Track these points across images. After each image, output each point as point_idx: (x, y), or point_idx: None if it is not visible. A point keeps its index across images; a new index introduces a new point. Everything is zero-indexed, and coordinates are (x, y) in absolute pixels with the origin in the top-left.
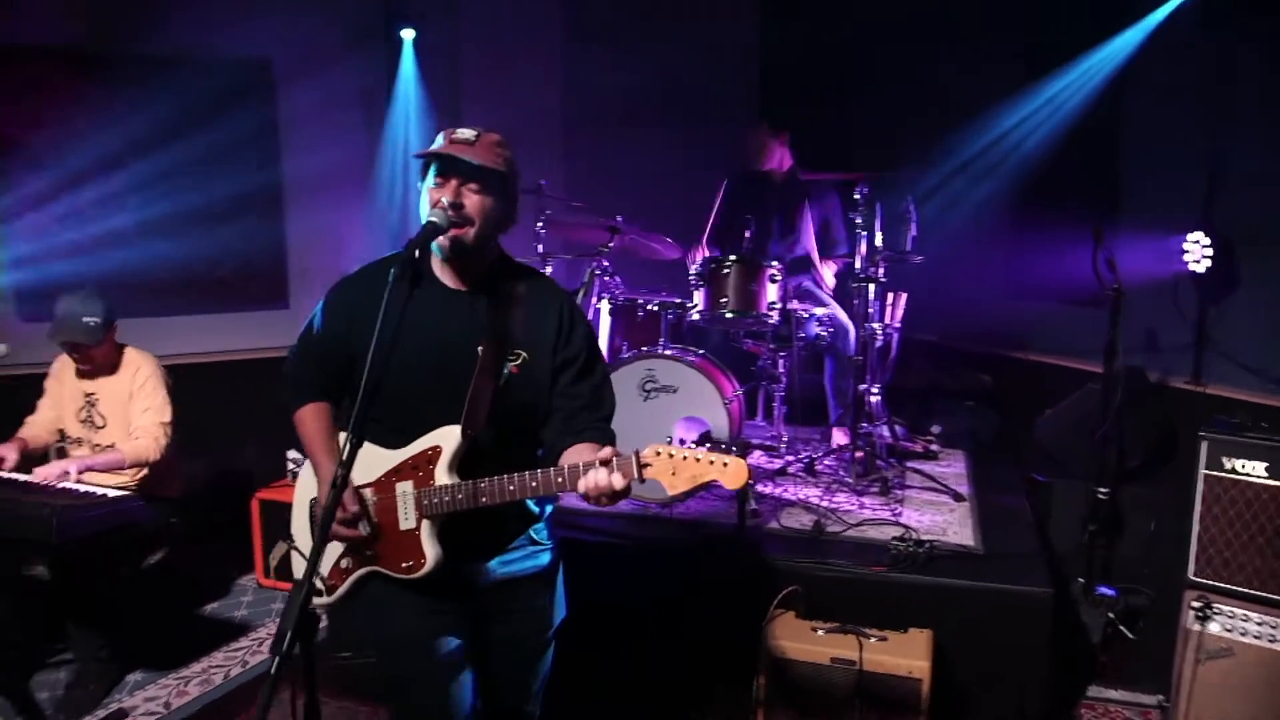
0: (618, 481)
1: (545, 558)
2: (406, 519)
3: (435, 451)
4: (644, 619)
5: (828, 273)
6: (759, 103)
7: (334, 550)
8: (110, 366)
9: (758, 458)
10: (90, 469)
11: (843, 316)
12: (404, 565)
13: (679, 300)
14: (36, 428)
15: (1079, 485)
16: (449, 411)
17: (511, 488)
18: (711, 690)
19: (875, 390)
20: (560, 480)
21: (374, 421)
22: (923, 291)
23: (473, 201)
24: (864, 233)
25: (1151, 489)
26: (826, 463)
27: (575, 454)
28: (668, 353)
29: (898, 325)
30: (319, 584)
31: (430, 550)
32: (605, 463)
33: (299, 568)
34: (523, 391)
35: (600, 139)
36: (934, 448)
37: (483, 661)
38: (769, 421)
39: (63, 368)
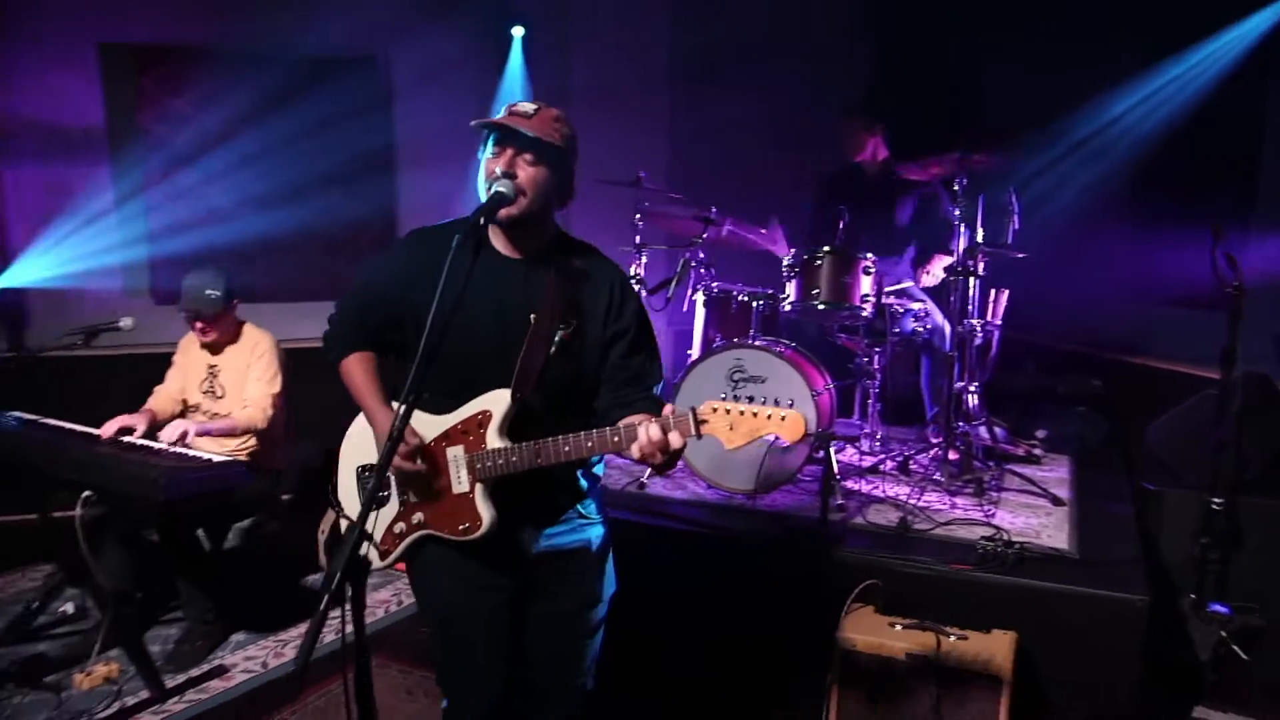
0: (675, 439)
1: (593, 532)
2: (460, 483)
3: (485, 416)
4: (723, 607)
5: (937, 268)
6: (863, 95)
7: (387, 515)
8: (230, 340)
9: (850, 455)
10: (206, 433)
11: (939, 313)
12: (460, 528)
13: (770, 291)
14: (164, 398)
15: (1193, 496)
16: (498, 378)
17: (566, 448)
18: (786, 682)
19: (973, 389)
20: (616, 439)
21: (434, 388)
22: (1032, 291)
23: (526, 173)
24: (962, 226)
25: (1274, 502)
26: (920, 462)
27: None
28: (757, 343)
29: (998, 323)
30: (374, 550)
31: (485, 512)
32: (662, 422)
33: (369, 551)
34: (573, 360)
35: (705, 133)
36: (1037, 452)
37: (531, 634)
38: (864, 419)
39: (189, 342)
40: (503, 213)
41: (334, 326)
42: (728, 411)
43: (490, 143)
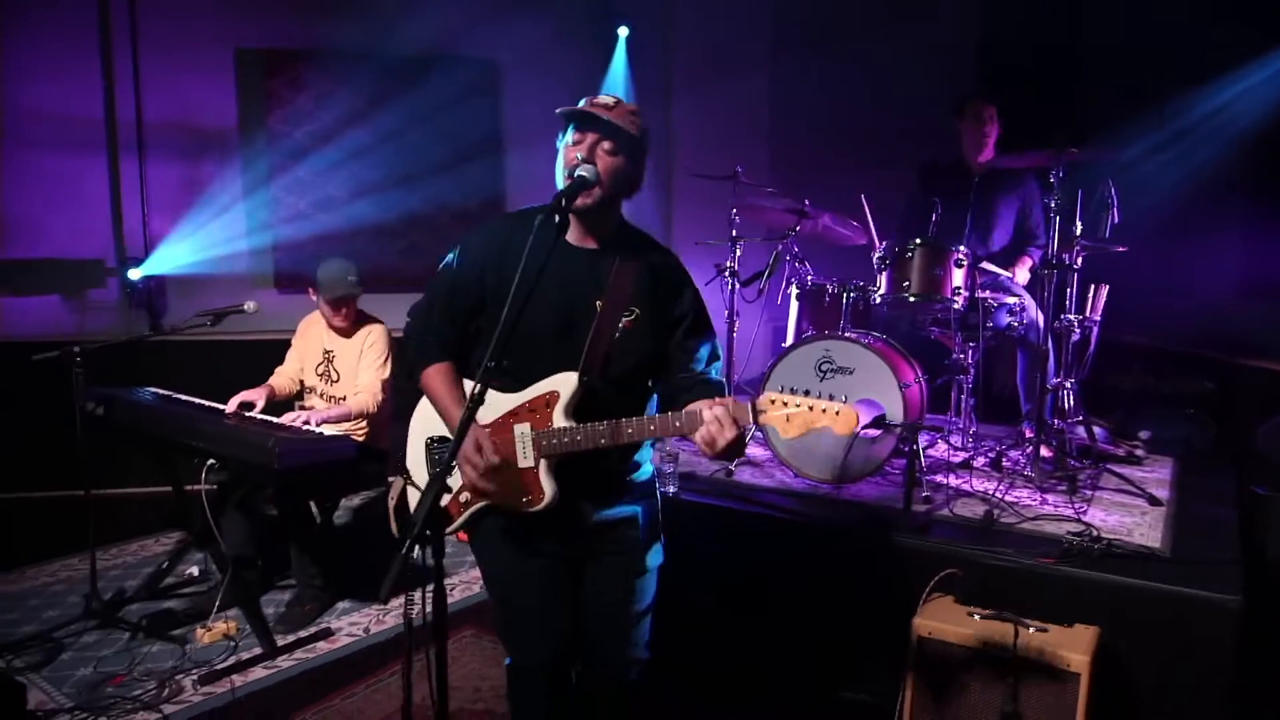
0: (730, 429)
1: (642, 506)
2: (525, 458)
3: (553, 396)
4: (804, 592)
5: (1021, 271)
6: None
7: (453, 485)
8: (352, 327)
9: (942, 450)
10: (325, 421)
11: (1035, 308)
12: (524, 500)
13: (861, 284)
14: (283, 378)
15: None
16: (565, 360)
17: (630, 430)
18: (863, 665)
19: (1069, 386)
20: (678, 424)
21: (506, 369)
22: (1142, 289)
23: (605, 162)
24: (1057, 219)
25: None
26: (1013, 458)
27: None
28: (846, 335)
29: (1097, 318)
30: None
31: (549, 487)
32: (722, 409)
33: (414, 501)
34: (635, 346)
35: (806, 130)
36: (1138, 453)
37: (582, 600)
38: (959, 415)
39: (307, 326)
40: (579, 200)
41: (421, 324)
42: (785, 404)
43: (570, 129)
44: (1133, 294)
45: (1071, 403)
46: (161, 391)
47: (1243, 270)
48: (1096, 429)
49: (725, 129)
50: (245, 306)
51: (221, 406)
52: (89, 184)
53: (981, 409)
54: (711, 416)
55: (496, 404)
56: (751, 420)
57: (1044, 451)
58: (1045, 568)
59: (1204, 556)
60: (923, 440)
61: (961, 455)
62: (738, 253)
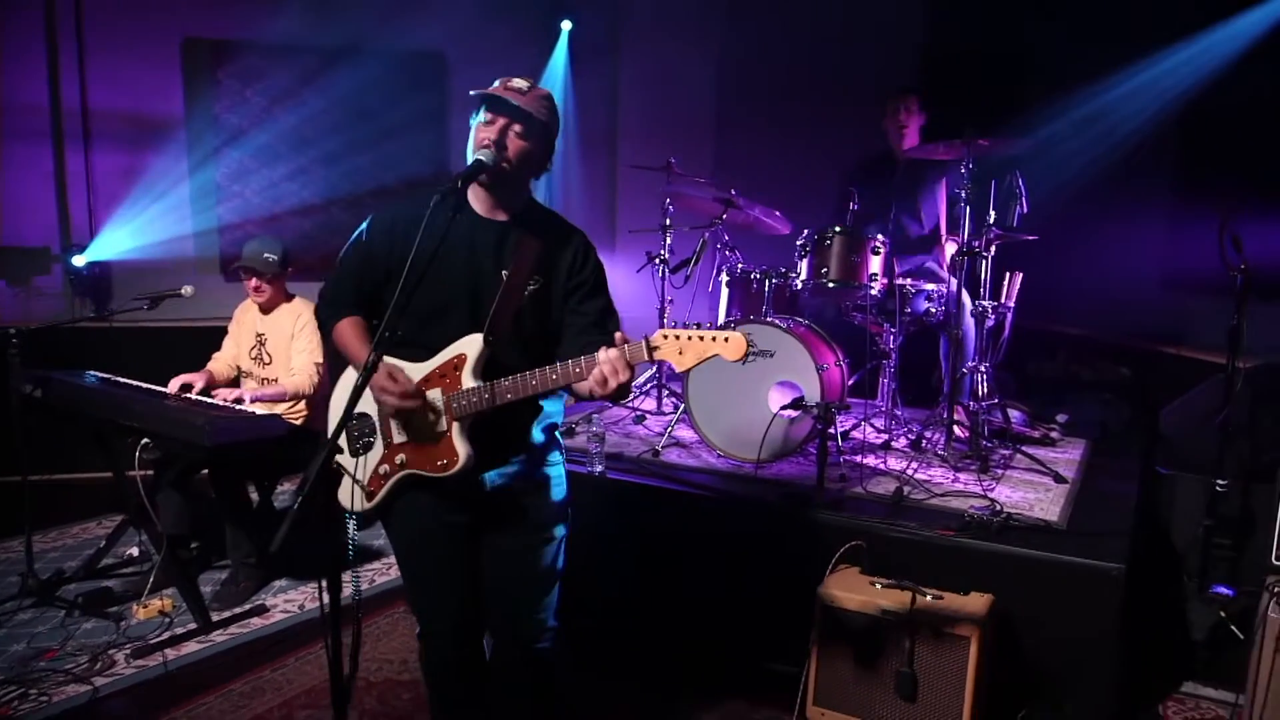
0: (623, 371)
1: (547, 473)
2: (440, 422)
3: (461, 359)
4: (723, 565)
5: (950, 247)
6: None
7: (373, 459)
8: (279, 307)
9: (866, 432)
10: (259, 399)
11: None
12: (439, 464)
13: (783, 270)
14: (220, 363)
15: (1203, 479)
16: (473, 327)
17: (534, 382)
18: (777, 635)
19: (984, 370)
20: (578, 370)
21: (405, 342)
22: (1065, 279)
23: (515, 144)
24: (968, 209)
25: None
26: (931, 439)
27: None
28: (768, 319)
29: (1011, 305)
30: (361, 491)
31: (462, 449)
32: (616, 350)
33: (353, 497)
34: (541, 310)
35: (752, 125)
36: (1054, 435)
37: (485, 565)
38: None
39: (242, 312)
40: (484, 176)
41: (331, 289)
42: (677, 337)
43: (483, 110)
44: (1060, 284)
45: (987, 386)
46: (102, 375)
47: (1164, 262)
48: (1016, 412)
49: (672, 121)
50: (182, 291)
51: (161, 389)
52: (34, 172)
53: (910, 392)
54: (605, 357)
55: (411, 374)
56: (646, 356)
57: (960, 432)
58: (945, 539)
59: (1096, 529)
60: (847, 422)
61: (883, 437)
62: (668, 240)
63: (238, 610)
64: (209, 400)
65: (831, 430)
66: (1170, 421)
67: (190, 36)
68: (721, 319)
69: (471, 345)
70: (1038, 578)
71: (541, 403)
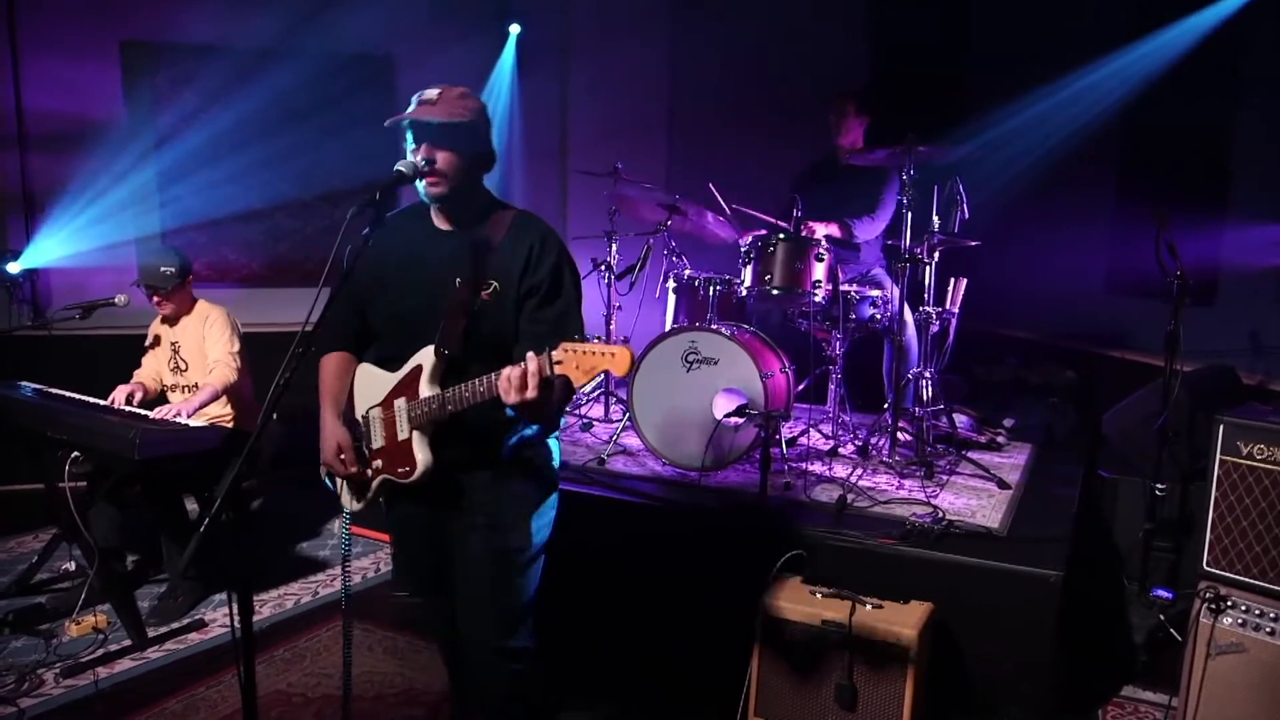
0: (514, 390)
1: (523, 486)
2: (402, 430)
3: (418, 370)
4: (665, 574)
5: (820, 228)
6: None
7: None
8: (186, 315)
9: (813, 439)
10: (196, 410)
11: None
12: (400, 471)
13: (727, 277)
14: (144, 377)
15: (1143, 483)
16: (432, 337)
17: (466, 394)
18: (719, 645)
19: (928, 375)
20: (492, 382)
21: (381, 350)
22: (1012, 284)
23: (443, 158)
24: (908, 213)
25: None
26: (877, 445)
27: None
28: (712, 326)
29: (955, 310)
30: (352, 493)
31: (420, 456)
32: (517, 368)
33: (346, 497)
34: (493, 319)
35: (706, 128)
36: (1000, 440)
37: (459, 575)
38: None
39: (154, 326)
40: (430, 193)
41: (324, 316)
42: (575, 352)
43: (409, 137)
44: (1008, 287)
45: (931, 392)
46: (37, 386)
47: (1108, 266)
48: (963, 417)
49: (624, 125)
50: (116, 300)
51: (96, 400)
52: None
53: (860, 398)
54: (505, 374)
55: (384, 382)
56: (549, 370)
57: (905, 438)
58: (886, 548)
59: (1035, 535)
60: (795, 429)
61: (830, 443)
62: (614, 247)
63: (175, 625)
64: (142, 412)
65: (776, 437)
66: (1112, 425)
67: (129, 39)
68: (669, 326)
69: (425, 357)
70: (977, 585)
71: (511, 415)
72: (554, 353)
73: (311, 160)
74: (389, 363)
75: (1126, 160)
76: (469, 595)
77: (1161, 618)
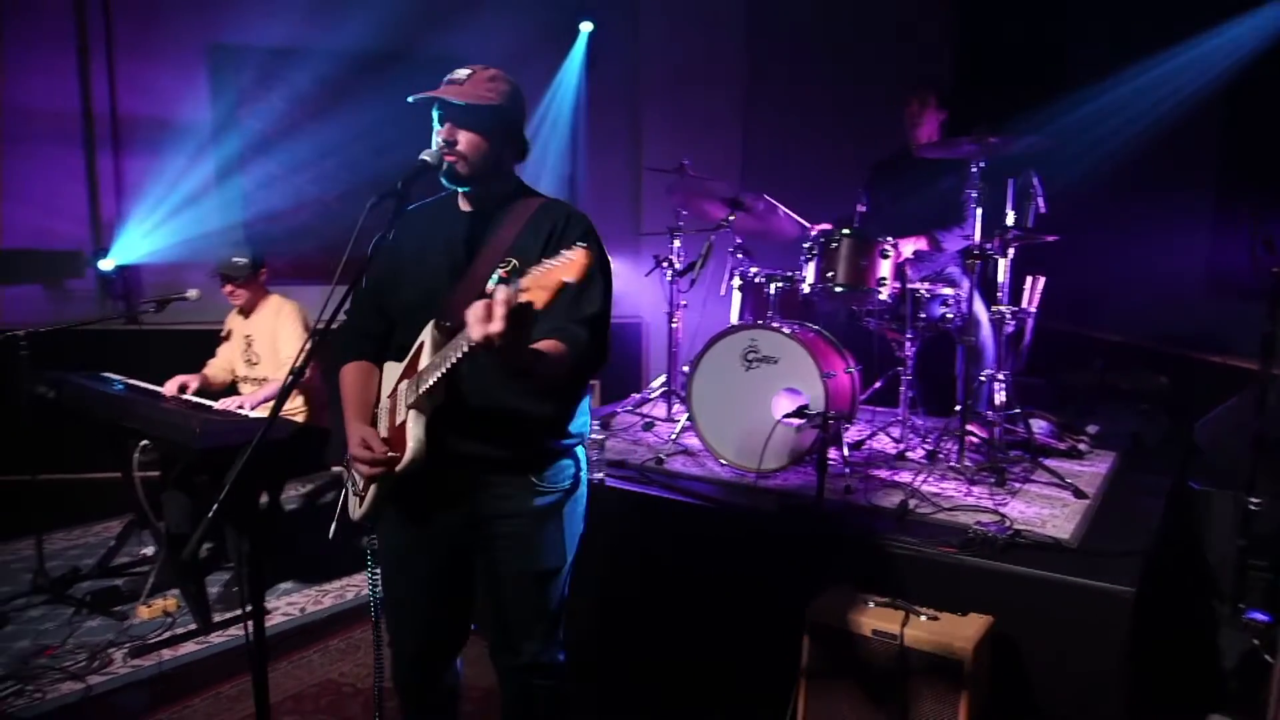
0: (479, 323)
1: (541, 500)
2: (400, 413)
3: (420, 347)
4: (719, 577)
5: (906, 246)
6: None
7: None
8: (260, 309)
9: (882, 442)
10: (261, 403)
11: (979, 300)
12: (392, 456)
13: (790, 274)
14: (215, 368)
15: (1238, 496)
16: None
17: (450, 352)
18: (769, 651)
19: (1001, 378)
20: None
21: (399, 341)
22: (1105, 285)
23: (466, 139)
24: (978, 210)
25: None
26: (948, 450)
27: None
28: (773, 325)
29: (1032, 310)
30: (356, 498)
31: (411, 439)
32: (482, 301)
33: (351, 504)
34: None
35: (781, 124)
36: (1082, 447)
37: (480, 591)
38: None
39: (231, 319)
40: (452, 171)
41: (346, 320)
42: (536, 275)
43: (436, 115)
44: (1101, 286)
45: (1004, 396)
46: (115, 377)
47: (1210, 263)
48: (1042, 423)
49: (697, 122)
50: (188, 294)
51: (160, 389)
52: (67, 176)
53: (935, 401)
54: (474, 306)
55: (395, 372)
56: (514, 298)
57: (977, 443)
58: (946, 556)
59: (1109, 548)
60: (862, 431)
61: (899, 447)
62: (676, 244)
63: (240, 612)
64: (207, 403)
65: (839, 439)
66: (1204, 433)
67: (215, 43)
68: (735, 323)
69: (427, 332)
70: (1042, 599)
71: (533, 404)
72: (521, 280)
73: (389, 161)
74: (404, 353)
75: (1229, 146)
76: (497, 617)
77: (1256, 642)
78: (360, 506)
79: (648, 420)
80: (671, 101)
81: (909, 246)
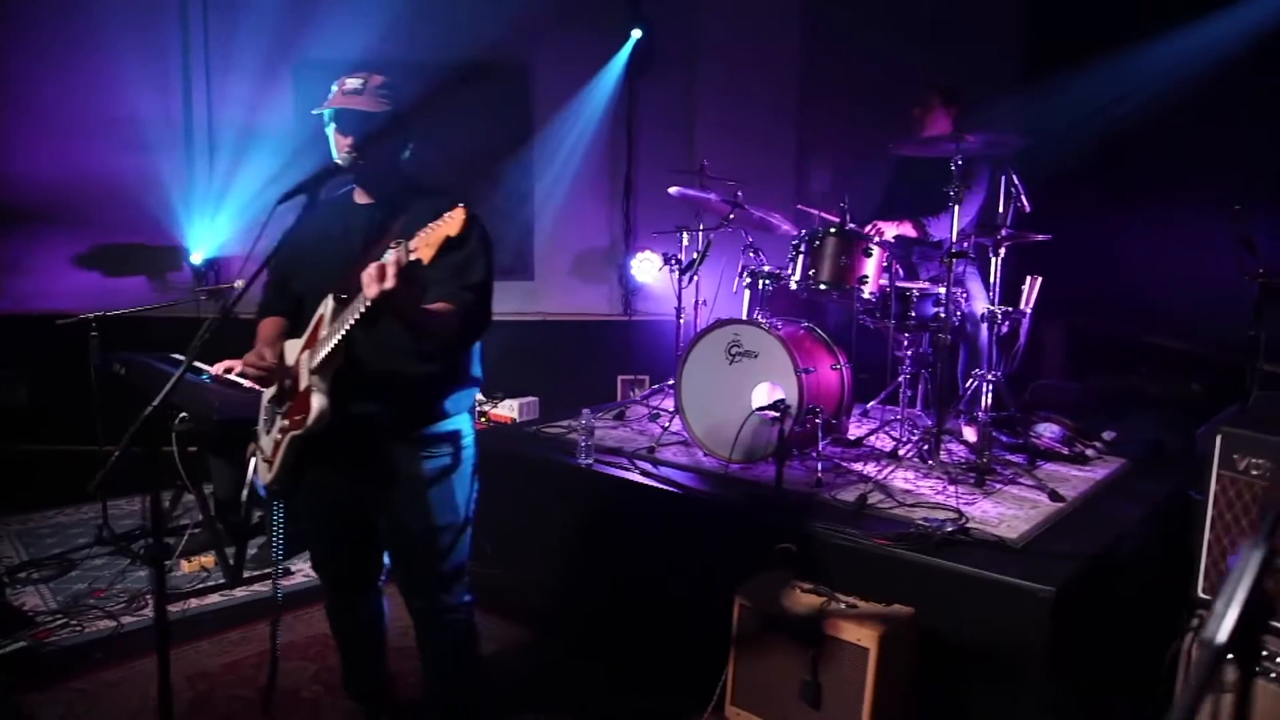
0: (374, 281)
1: (432, 464)
2: (303, 380)
3: (320, 319)
4: (674, 563)
5: (889, 228)
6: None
7: (276, 433)
8: None
9: (883, 440)
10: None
11: (983, 299)
12: (298, 419)
13: (777, 270)
14: None
15: None
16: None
17: (346, 315)
18: (713, 636)
19: (991, 378)
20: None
21: (300, 321)
22: (1147, 284)
23: (364, 141)
24: (955, 206)
25: None
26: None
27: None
28: (754, 320)
29: (1027, 310)
30: (265, 463)
31: (314, 402)
32: (376, 263)
33: (261, 470)
34: None
35: (834, 132)
36: (1089, 453)
37: (392, 555)
38: (908, 406)
39: None
40: (355, 172)
41: (262, 296)
42: (424, 235)
43: (330, 123)
44: (1139, 286)
45: (992, 396)
46: (178, 357)
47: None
48: (1055, 427)
49: (751, 131)
50: (235, 284)
51: (206, 367)
52: (170, 179)
53: (914, 397)
54: (369, 268)
55: (294, 348)
56: (406, 258)
57: (969, 441)
58: (879, 548)
59: (1052, 550)
60: (862, 428)
61: (892, 444)
62: (684, 240)
63: (266, 570)
64: (239, 381)
65: (819, 435)
66: (1205, 441)
67: (299, 60)
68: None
69: (326, 305)
70: (968, 594)
71: (420, 365)
72: (410, 242)
73: (453, 170)
74: (300, 330)
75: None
76: (403, 568)
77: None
78: (270, 471)
79: (654, 411)
80: (725, 108)
81: (892, 230)
